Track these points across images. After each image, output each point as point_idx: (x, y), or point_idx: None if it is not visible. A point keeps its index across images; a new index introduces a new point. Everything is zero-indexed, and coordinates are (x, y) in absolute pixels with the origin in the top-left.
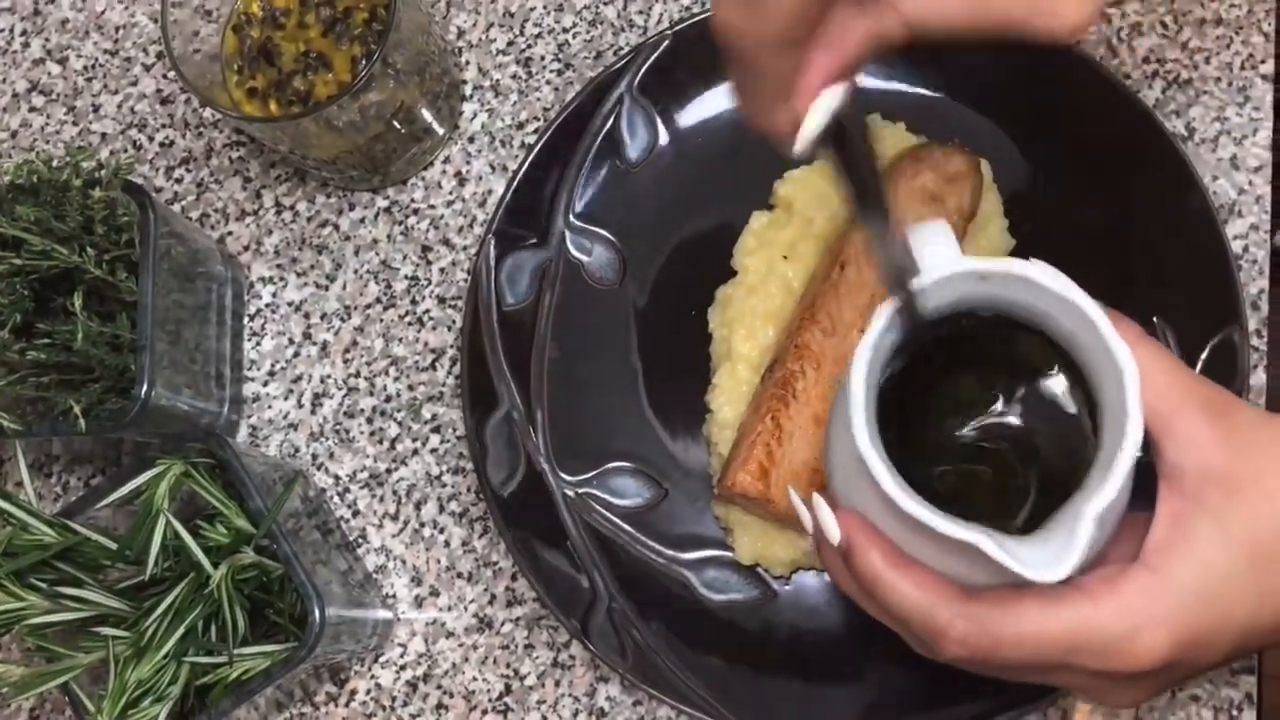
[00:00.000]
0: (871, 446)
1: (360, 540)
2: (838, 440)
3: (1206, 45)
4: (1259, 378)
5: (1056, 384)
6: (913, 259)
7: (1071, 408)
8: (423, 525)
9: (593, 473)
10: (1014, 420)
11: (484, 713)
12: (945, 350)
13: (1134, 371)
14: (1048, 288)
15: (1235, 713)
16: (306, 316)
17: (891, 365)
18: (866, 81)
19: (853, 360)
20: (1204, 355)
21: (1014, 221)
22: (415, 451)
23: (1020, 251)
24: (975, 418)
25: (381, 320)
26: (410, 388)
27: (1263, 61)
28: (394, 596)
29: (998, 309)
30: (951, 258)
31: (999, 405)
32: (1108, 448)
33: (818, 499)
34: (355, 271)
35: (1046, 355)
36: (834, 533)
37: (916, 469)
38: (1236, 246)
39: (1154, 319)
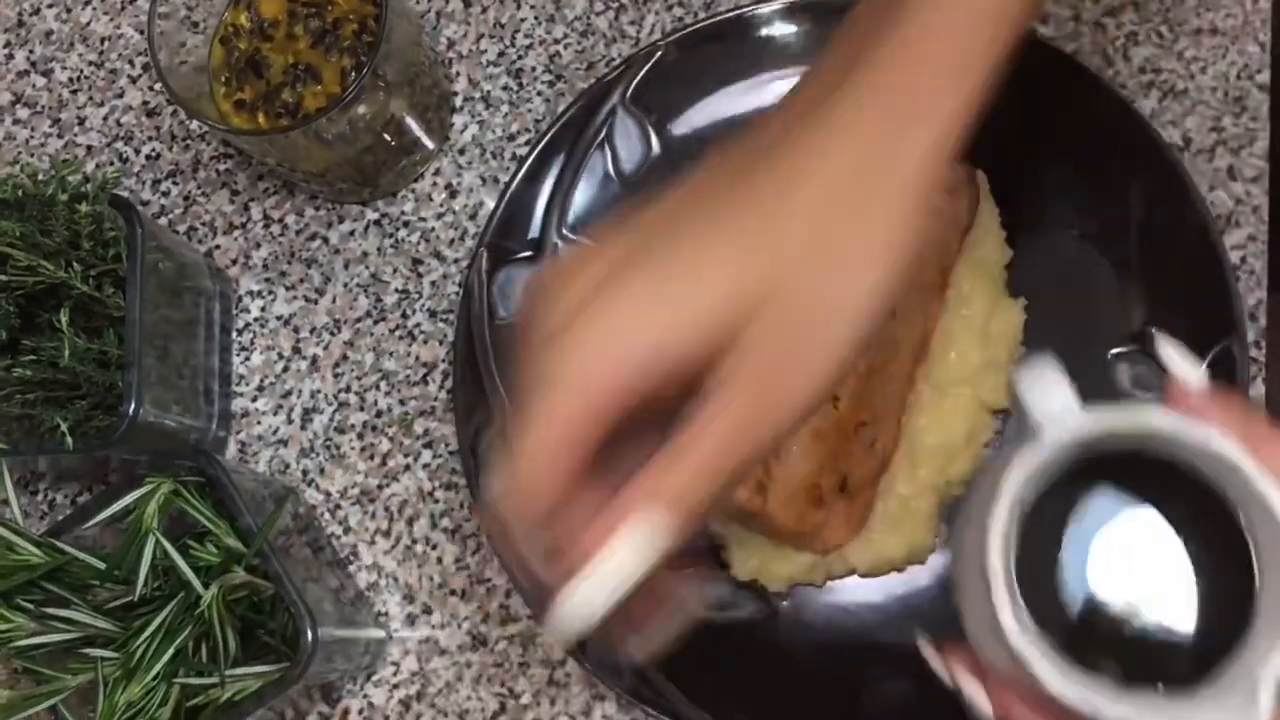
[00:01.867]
0: (1028, 642)
1: (351, 557)
2: (972, 603)
3: (1202, 55)
4: (1258, 389)
5: (1206, 529)
6: (1028, 415)
7: (1224, 553)
8: (415, 542)
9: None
10: (1163, 569)
11: None
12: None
13: None
14: (1191, 444)
15: None
16: (296, 330)
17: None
18: None
19: (987, 534)
20: (1203, 367)
21: (1011, 232)
22: (407, 467)
23: (1018, 263)
24: (1118, 565)
25: (372, 334)
26: (402, 402)
27: (1259, 71)
28: (386, 614)
29: (1131, 449)
30: (1071, 420)
31: (1146, 552)
32: (1273, 597)
33: (963, 675)
34: (345, 285)
35: (1192, 499)
36: (987, 711)
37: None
38: (1234, 257)
39: (1152, 330)
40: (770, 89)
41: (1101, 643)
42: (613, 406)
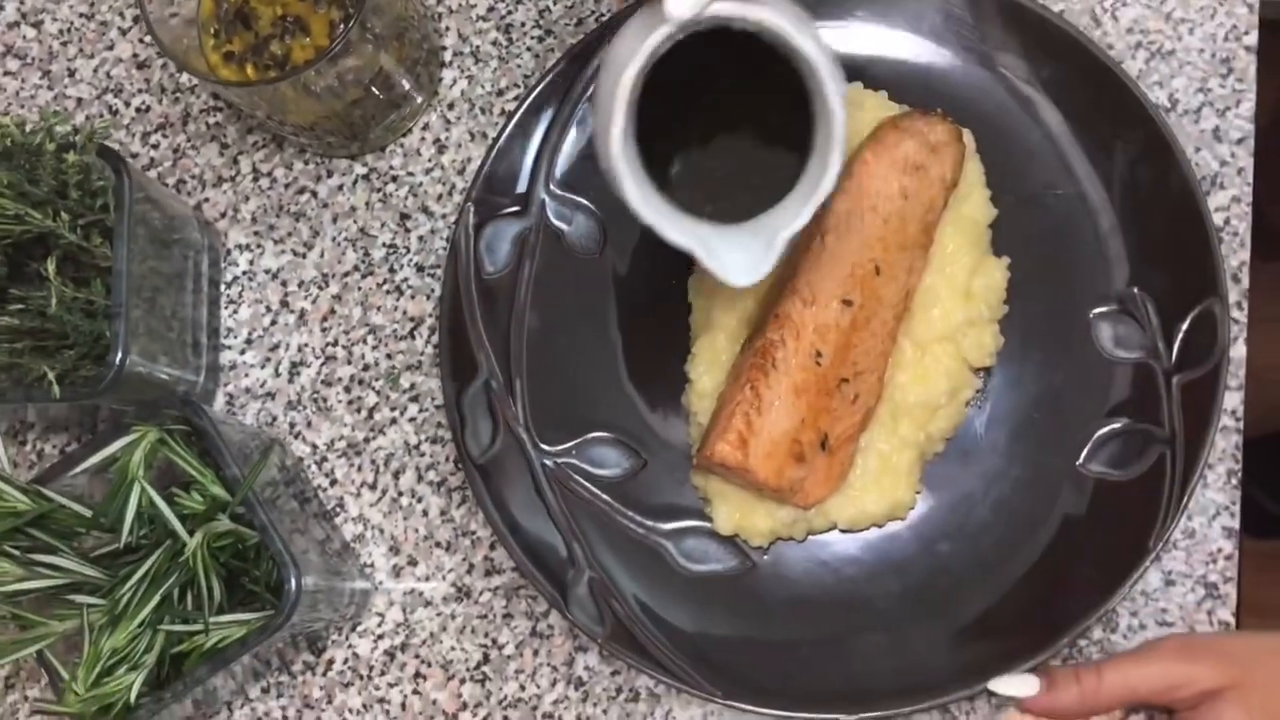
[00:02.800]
0: (624, 158)
1: (338, 509)
2: (599, 131)
3: (1190, 16)
4: (1239, 349)
5: (786, 110)
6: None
7: (794, 131)
8: (401, 494)
9: (572, 442)
10: (750, 129)
11: (462, 682)
12: (702, 59)
13: (842, 119)
14: (782, 35)
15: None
16: (284, 284)
17: (652, 66)
18: (852, 52)
19: (626, 66)
20: (1184, 327)
21: (996, 191)
22: (393, 420)
23: (1002, 221)
24: (720, 120)
25: (360, 288)
26: (389, 356)
27: (1246, 33)
28: (372, 566)
29: (752, 30)
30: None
31: (740, 113)
32: (812, 176)
33: None
34: (333, 239)
35: (783, 82)
36: None
37: (668, 157)
38: (1218, 218)
39: (1134, 290)
40: None
41: (697, 185)
42: None
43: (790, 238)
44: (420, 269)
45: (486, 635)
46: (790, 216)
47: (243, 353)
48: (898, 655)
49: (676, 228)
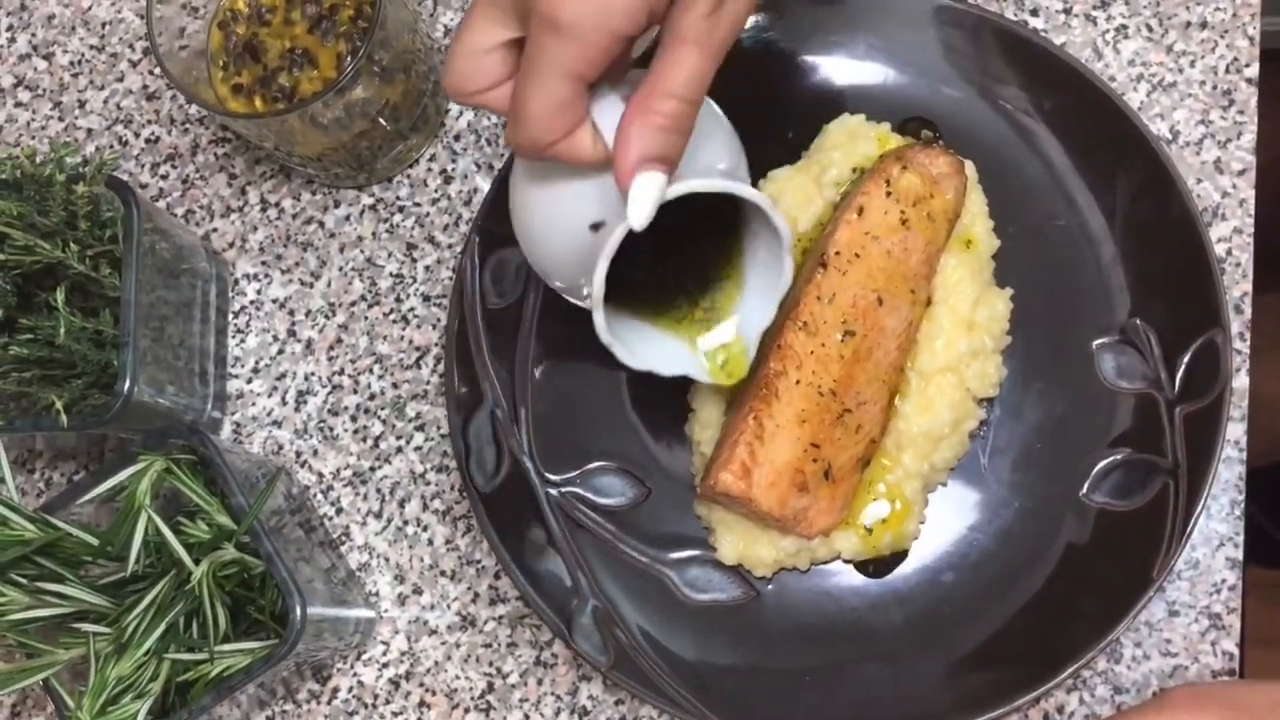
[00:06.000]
0: (609, 332)
1: (343, 538)
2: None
3: (1191, 49)
4: (1242, 381)
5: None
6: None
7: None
8: (406, 523)
9: (576, 471)
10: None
11: (466, 711)
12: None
13: (787, 232)
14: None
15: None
16: (291, 313)
17: None
18: (855, 84)
19: (595, 267)
20: (1186, 358)
21: (998, 222)
22: (399, 449)
23: (1004, 252)
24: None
25: (366, 318)
26: (394, 385)
27: (1247, 65)
28: (377, 594)
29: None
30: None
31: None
32: (765, 280)
33: None
34: (340, 269)
35: (729, 220)
36: None
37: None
38: (1220, 250)
39: (1137, 320)
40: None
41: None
42: (608, 52)
43: (763, 330)
44: (426, 299)
45: (491, 664)
46: (762, 313)
47: (250, 381)
48: (900, 685)
49: (642, 360)
